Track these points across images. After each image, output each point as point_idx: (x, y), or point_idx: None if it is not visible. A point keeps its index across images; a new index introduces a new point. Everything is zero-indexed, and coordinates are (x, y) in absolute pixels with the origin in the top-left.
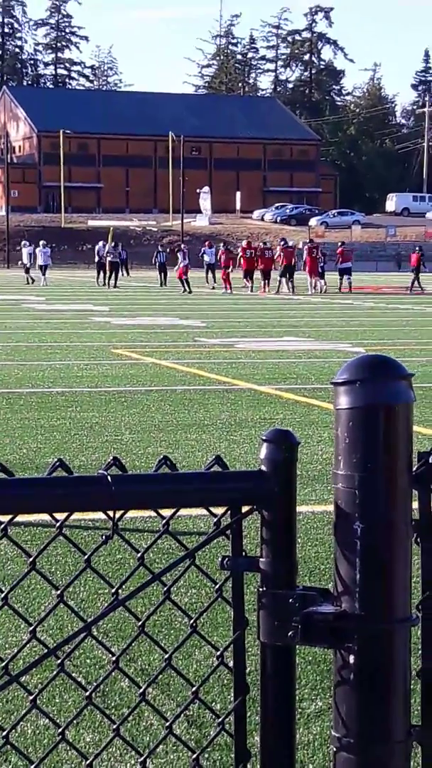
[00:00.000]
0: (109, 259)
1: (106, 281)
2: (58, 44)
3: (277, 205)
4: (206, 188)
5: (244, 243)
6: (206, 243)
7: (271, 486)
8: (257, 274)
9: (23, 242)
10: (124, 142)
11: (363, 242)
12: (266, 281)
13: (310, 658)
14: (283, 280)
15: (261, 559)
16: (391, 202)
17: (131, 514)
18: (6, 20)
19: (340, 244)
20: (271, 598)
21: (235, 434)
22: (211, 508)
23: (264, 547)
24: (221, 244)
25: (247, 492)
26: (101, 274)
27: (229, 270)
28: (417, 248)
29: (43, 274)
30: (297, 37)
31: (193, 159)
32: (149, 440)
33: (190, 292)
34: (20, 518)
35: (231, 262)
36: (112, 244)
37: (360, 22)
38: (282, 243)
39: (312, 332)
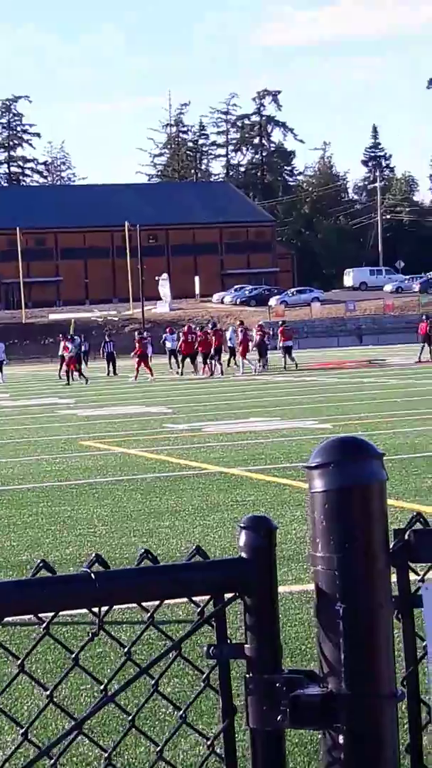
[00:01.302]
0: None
1: (70, 374)
2: (11, 143)
3: (236, 287)
4: (165, 275)
5: (185, 328)
6: (167, 329)
7: (253, 572)
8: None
9: None
10: (81, 235)
11: (323, 318)
12: (207, 363)
13: (297, 740)
14: (213, 361)
15: (246, 645)
16: (349, 277)
17: (116, 606)
18: None
19: (280, 323)
20: (259, 683)
21: (209, 518)
22: (194, 597)
23: (248, 633)
24: (198, 326)
25: (229, 580)
26: (64, 367)
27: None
28: (425, 317)
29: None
30: (246, 122)
31: (150, 247)
32: (123, 530)
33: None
34: None
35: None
36: (74, 337)
37: (307, 102)
38: (211, 327)
39: (278, 411)
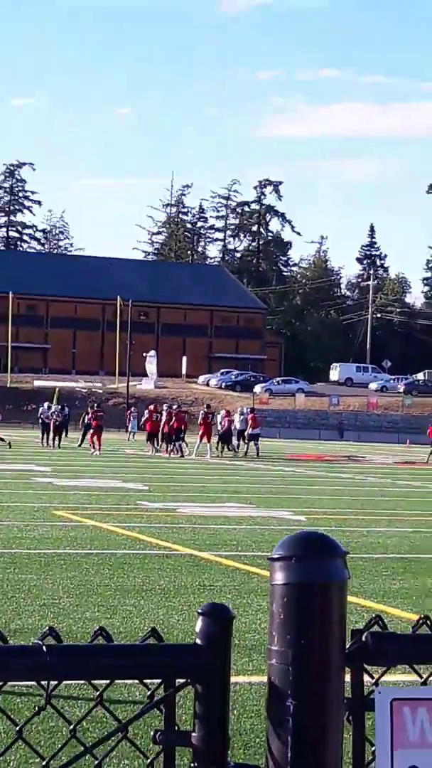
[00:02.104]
0: (52, 420)
1: (51, 442)
2: (11, 207)
3: (222, 371)
4: (153, 352)
5: (151, 407)
6: (151, 406)
7: (206, 660)
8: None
9: None
10: (73, 305)
11: (307, 410)
12: (167, 444)
13: None
14: (177, 444)
15: (193, 734)
16: (335, 372)
17: (66, 681)
18: None
19: (249, 410)
20: None
21: (174, 600)
22: (146, 681)
23: (197, 721)
24: (168, 406)
25: (181, 666)
26: (45, 434)
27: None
28: None
29: None
30: (246, 209)
31: (140, 323)
32: (87, 605)
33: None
34: None
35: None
36: (58, 405)
37: (307, 196)
38: (174, 408)
39: (254, 499)
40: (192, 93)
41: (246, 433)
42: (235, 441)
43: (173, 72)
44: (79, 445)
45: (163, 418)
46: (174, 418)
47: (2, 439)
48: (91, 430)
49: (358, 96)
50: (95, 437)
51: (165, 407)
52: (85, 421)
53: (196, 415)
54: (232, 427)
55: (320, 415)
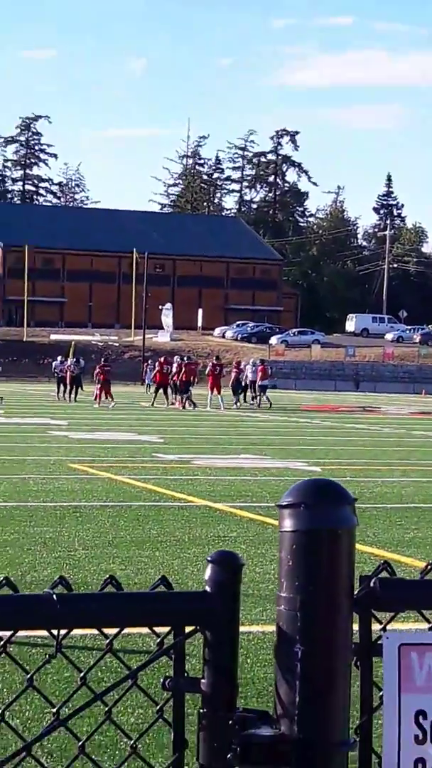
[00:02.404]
0: (69, 373)
1: (66, 395)
2: (27, 161)
3: (238, 322)
4: (168, 305)
5: (161, 359)
6: (161, 358)
7: (215, 607)
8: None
9: None
10: (89, 258)
11: (322, 361)
12: (179, 395)
13: None
14: (184, 396)
15: (202, 681)
16: (351, 323)
17: (79, 631)
18: None
19: (259, 362)
20: (211, 720)
21: (188, 551)
22: (156, 628)
23: (206, 668)
24: (180, 357)
25: (191, 613)
26: (60, 388)
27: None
28: None
29: None
30: (262, 159)
31: (156, 276)
32: (102, 556)
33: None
34: None
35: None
36: (74, 359)
37: (324, 145)
38: (184, 360)
39: (269, 450)
40: (206, 43)
41: (256, 384)
42: (249, 393)
43: (187, 22)
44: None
45: (173, 369)
46: (183, 370)
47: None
48: (98, 384)
49: (373, 43)
50: (102, 390)
51: (176, 359)
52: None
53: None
54: (242, 378)
55: (336, 366)
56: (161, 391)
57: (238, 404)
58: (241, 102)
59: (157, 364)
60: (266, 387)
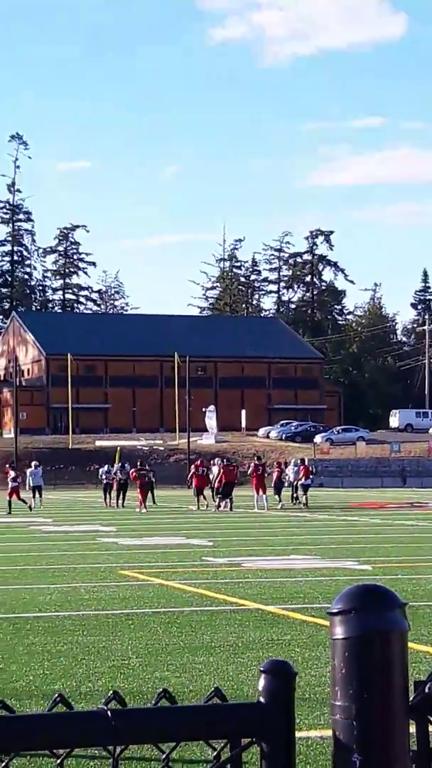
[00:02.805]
0: (116, 479)
1: (114, 501)
2: (66, 270)
3: (282, 422)
4: (212, 407)
5: (197, 462)
6: (210, 461)
7: (269, 718)
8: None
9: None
10: (131, 363)
11: (368, 458)
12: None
13: None
14: (222, 498)
15: None
16: (395, 419)
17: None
18: (16, 248)
19: (299, 461)
20: None
21: (243, 656)
22: (212, 740)
23: None
24: (219, 460)
25: (246, 724)
26: (107, 495)
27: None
28: None
29: (35, 496)
30: (298, 260)
31: (198, 378)
32: (156, 664)
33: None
34: None
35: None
36: (119, 464)
37: (360, 244)
38: (221, 462)
39: (318, 550)
40: (238, 147)
41: (298, 483)
42: (290, 493)
43: (218, 128)
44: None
45: (214, 472)
46: (221, 472)
47: (24, 501)
48: (139, 488)
49: (404, 142)
50: (142, 494)
51: (216, 461)
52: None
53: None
54: (284, 478)
55: (382, 462)
56: (198, 494)
57: (282, 504)
58: (275, 204)
59: (193, 467)
60: (308, 486)
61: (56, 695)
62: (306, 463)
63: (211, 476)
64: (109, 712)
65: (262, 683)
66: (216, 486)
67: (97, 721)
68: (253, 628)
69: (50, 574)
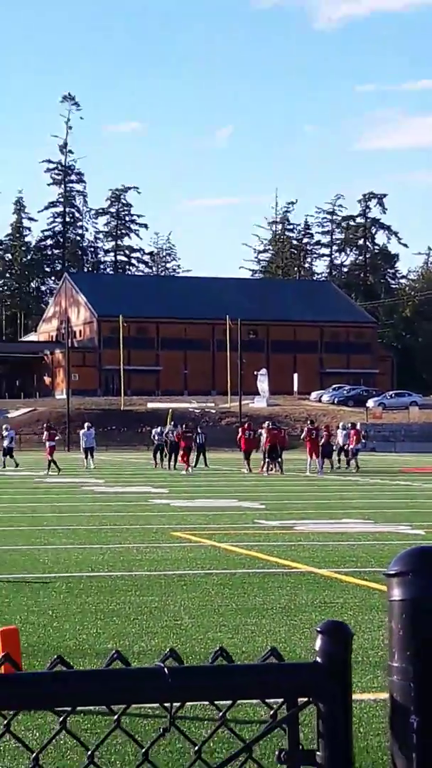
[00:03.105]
0: (168, 440)
1: (167, 463)
2: (118, 232)
3: (334, 386)
4: (263, 370)
5: (245, 424)
6: (260, 425)
7: (326, 679)
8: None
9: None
10: (183, 326)
11: (421, 423)
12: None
13: None
14: (269, 460)
15: (318, 753)
16: None
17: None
18: (68, 210)
19: (350, 426)
20: None
21: (295, 618)
22: (268, 700)
23: (320, 740)
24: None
25: (302, 685)
26: (158, 457)
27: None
28: None
29: (87, 457)
30: (351, 223)
31: (250, 342)
32: (209, 625)
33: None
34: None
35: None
36: (172, 424)
37: (413, 207)
38: (267, 425)
39: (371, 514)
40: (291, 111)
41: (348, 448)
42: (335, 456)
43: (271, 90)
44: (194, 466)
45: (263, 436)
46: (267, 436)
47: (56, 464)
48: (180, 450)
49: None
50: (185, 457)
51: (265, 425)
52: (199, 441)
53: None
54: (333, 443)
55: None
56: (247, 458)
57: (332, 468)
58: (328, 167)
59: (240, 430)
60: (359, 451)
61: (113, 652)
62: (357, 427)
63: (262, 439)
64: (166, 670)
65: (319, 644)
66: (263, 449)
67: (154, 678)
68: (305, 590)
69: (102, 534)
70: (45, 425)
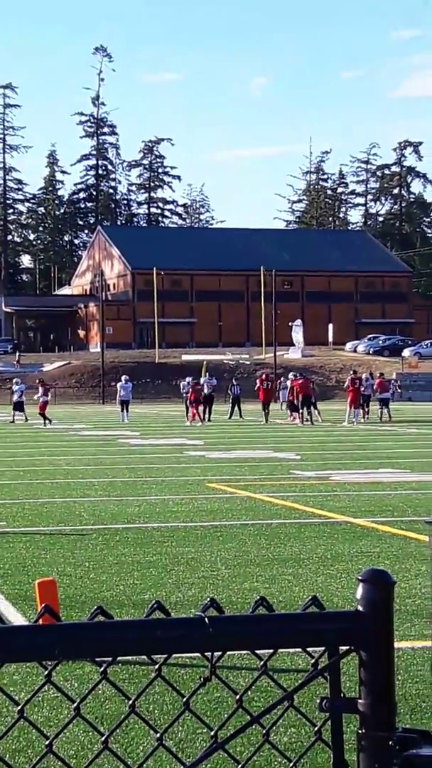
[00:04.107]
0: (205, 391)
1: (204, 415)
2: (151, 184)
3: (369, 336)
4: (298, 321)
5: (263, 375)
6: (262, 375)
7: (368, 627)
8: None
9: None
10: (217, 278)
11: None
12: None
13: None
14: (303, 410)
15: (360, 701)
16: None
17: (229, 651)
18: (100, 162)
19: (378, 375)
20: (371, 740)
21: (332, 568)
22: (309, 648)
23: (362, 688)
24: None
25: (344, 633)
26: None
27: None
28: None
29: (122, 410)
30: (386, 172)
31: (285, 292)
32: (245, 575)
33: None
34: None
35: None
36: (207, 375)
37: None
38: (294, 376)
39: (407, 464)
40: (326, 58)
41: (376, 397)
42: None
43: (307, 39)
44: (229, 417)
45: (288, 386)
46: (298, 387)
47: (46, 417)
48: (192, 403)
49: None
50: (194, 408)
51: (290, 375)
52: (234, 393)
53: (343, 382)
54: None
55: None
56: (265, 408)
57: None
58: (363, 115)
59: (258, 381)
60: (388, 400)
61: (154, 602)
62: (383, 377)
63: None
64: (207, 619)
65: (360, 592)
66: (289, 399)
67: (196, 627)
68: (341, 540)
69: (138, 486)
70: (38, 380)
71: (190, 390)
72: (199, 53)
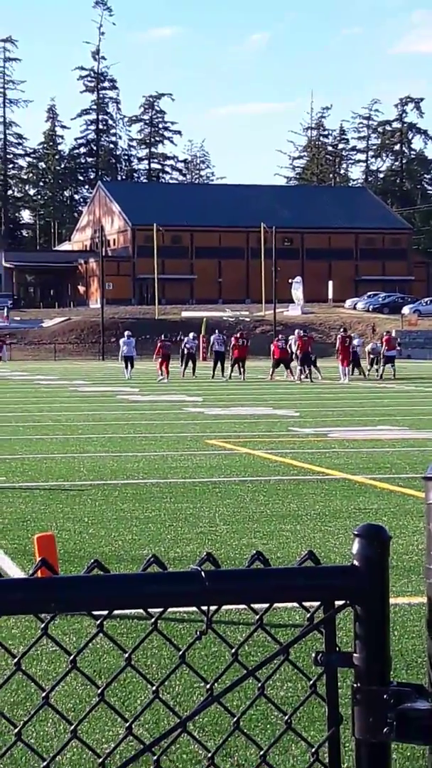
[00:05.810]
0: (216, 348)
1: (213, 372)
2: (152, 140)
3: (369, 293)
4: (298, 278)
5: (238, 334)
6: (237, 333)
7: (364, 581)
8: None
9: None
10: (217, 234)
11: None
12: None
13: (408, 754)
14: (302, 367)
15: (355, 655)
16: None
17: (225, 606)
18: (101, 117)
19: (385, 333)
20: (366, 694)
21: (330, 525)
22: (305, 603)
23: (357, 642)
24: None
25: (340, 588)
26: (187, 365)
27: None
28: None
29: (126, 366)
30: (387, 128)
31: (285, 249)
32: (244, 531)
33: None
34: (115, 611)
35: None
36: (216, 333)
37: None
38: (298, 333)
39: (406, 421)
40: (327, 14)
41: (381, 355)
42: (365, 364)
43: None
44: (229, 377)
45: (295, 343)
46: (300, 343)
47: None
48: (160, 359)
49: None
50: (164, 364)
51: (296, 332)
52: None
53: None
54: (356, 350)
55: None
56: (237, 364)
57: (365, 376)
58: (364, 71)
59: (233, 339)
60: (393, 358)
61: (150, 556)
62: (390, 334)
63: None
64: (203, 573)
65: (356, 547)
66: (296, 356)
67: (192, 581)
68: (339, 497)
69: (137, 442)
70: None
71: (160, 346)
72: (199, 7)
